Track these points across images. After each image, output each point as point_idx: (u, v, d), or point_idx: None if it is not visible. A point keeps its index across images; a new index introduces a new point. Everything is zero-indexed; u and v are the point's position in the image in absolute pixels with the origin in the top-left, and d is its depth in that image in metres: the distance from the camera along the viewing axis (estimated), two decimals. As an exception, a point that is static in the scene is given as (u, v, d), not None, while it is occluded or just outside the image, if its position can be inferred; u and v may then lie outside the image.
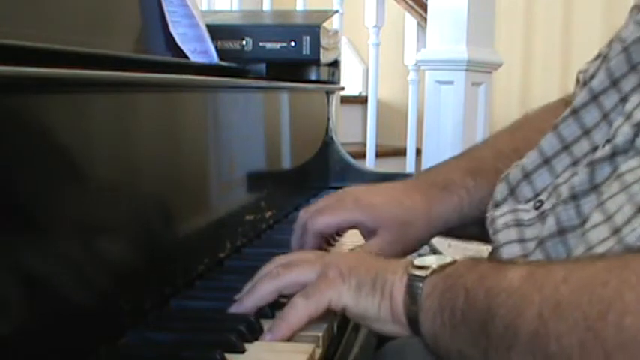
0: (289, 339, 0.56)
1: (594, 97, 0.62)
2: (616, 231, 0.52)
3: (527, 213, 0.64)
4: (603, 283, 0.43)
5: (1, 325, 0.42)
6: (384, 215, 0.74)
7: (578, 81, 0.73)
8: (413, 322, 0.54)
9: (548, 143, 0.65)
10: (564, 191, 0.60)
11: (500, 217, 0.66)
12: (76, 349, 0.48)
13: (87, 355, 0.49)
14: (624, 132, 0.56)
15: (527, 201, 0.65)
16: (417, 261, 0.56)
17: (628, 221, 0.52)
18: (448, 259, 0.55)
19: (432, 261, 0.55)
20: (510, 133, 0.84)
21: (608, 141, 0.58)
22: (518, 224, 0.64)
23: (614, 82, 0.61)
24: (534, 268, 0.49)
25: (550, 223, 0.59)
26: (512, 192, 0.67)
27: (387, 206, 0.75)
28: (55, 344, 0.46)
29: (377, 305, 0.56)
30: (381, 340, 0.96)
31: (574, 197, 0.58)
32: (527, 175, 0.66)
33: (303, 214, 0.76)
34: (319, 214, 0.74)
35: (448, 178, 0.79)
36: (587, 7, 2.87)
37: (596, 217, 0.54)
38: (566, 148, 0.64)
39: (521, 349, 0.45)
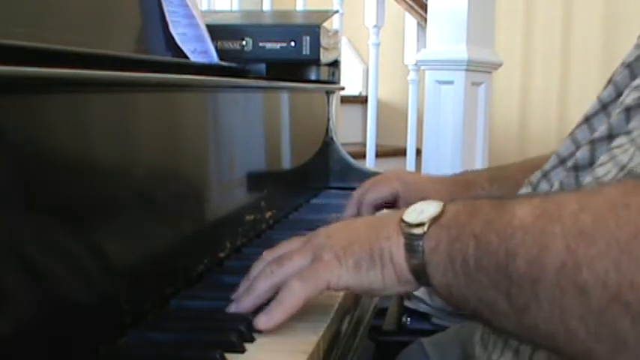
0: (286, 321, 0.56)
1: (604, 107, 0.66)
2: None
3: None
4: (625, 206, 0.45)
5: (1, 325, 0.42)
6: (416, 188, 0.91)
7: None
8: (421, 278, 0.54)
9: (565, 146, 0.68)
10: (570, 163, 0.64)
11: None
12: (76, 349, 0.48)
13: (87, 355, 0.49)
14: (618, 115, 0.60)
15: None
16: (407, 217, 0.55)
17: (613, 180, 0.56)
18: (434, 208, 0.55)
19: (420, 214, 0.55)
20: (543, 155, 0.88)
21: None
22: None
23: (619, 94, 0.65)
24: (542, 203, 0.49)
25: (555, 185, 0.64)
26: (534, 189, 0.69)
27: (430, 188, 0.91)
28: (55, 344, 0.46)
29: (380, 276, 0.56)
30: (380, 341, 0.96)
31: (575, 167, 0.63)
32: (545, 175, 0.69)
33: (357, 192, 0.93)
34: (373, 186, 0.92)
35: (470, 179, 0.93)
36: (587, 7, 2.86)
37: (587, 180, 0.59)
38: (578, 149, 0.67)
39: (548, 282, 0.46)
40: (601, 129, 0.62)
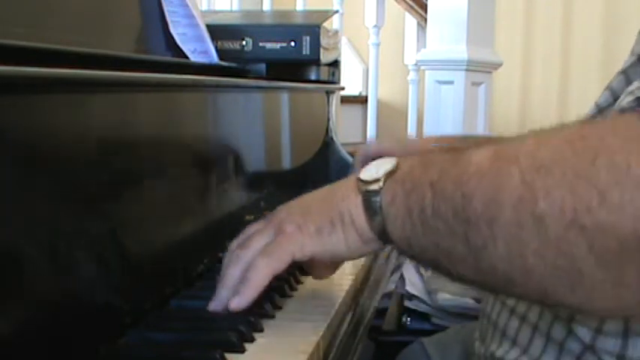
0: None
1: (600, 111, 0.67)
2: None
3: None
4: (582, 137, 0.46)
5: (1, 325, 0.42)
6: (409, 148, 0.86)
7: None
8: (382, 234, 0.55)
9: None
10: None
11: None
12: (76, 349, 0.48)
13: (87, 355, 0.49)
14: (604, 95, 0.63)
15: None
16: (363, 175, 0.56)
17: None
18: (389, 164, 0.55)
19: (375, 171, 0.55)
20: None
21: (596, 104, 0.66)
22: None
23: (615, 100, 0.66)
24: (499, 148, 0.50)
25: None
26: None
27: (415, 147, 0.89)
28: (55, 344, 0.46)
29: (343, 239, 0.57)
30: (380, 341, 0.96)
31: (600, 111, 0.65)
32: None
33: (364, 147, 0.89)
34: (374, 143, 0.90)
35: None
36: (587, 7, 2.87)
37: None
38: None
39: (506, 218, 0.47)
40: (592, 110, 0.65)
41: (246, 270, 0.58)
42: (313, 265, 0.62)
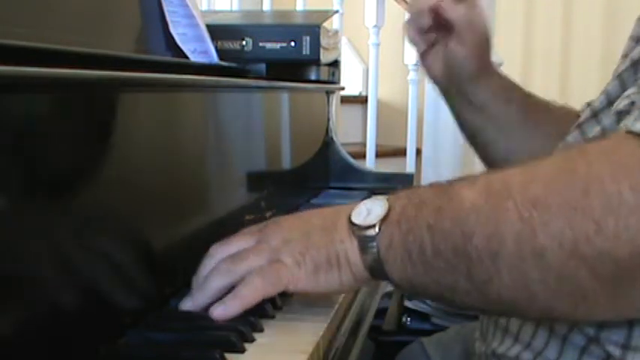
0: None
1: (594, 115, 0.68)
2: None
3: None
4: (571, 170, 0.48)
5: (1, 325, 0.42)
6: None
7: None
8: (380, 276, 0.56)
9: (573, 138, 0.71)
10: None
11: None
12: (76, 349, 0.48)
13: (87, 355, 0.49)
14: (612, 120, 0.63)
15: None
16: (355, 220, 0.57)
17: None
18: (380, 209, 0.56)
19: (368, 215, 0.56)
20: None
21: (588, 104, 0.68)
22: None
23: (610, 103, 0.66)
24: (488, 184, 0.52)
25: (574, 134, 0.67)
26: None
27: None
28: (55, 344, 0.46)
29: (337, 278, 0.58)
30: (380, 341, 0.96)
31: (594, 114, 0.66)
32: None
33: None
34: None
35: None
36: (587, 7, 2.87)
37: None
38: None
39: (507, 253, 0.48)
40: (586, 113, 0.66)
41: (232, 284, 0.58)
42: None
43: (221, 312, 0.56)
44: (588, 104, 0.72)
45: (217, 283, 0.59)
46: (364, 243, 0.56)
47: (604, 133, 0.63)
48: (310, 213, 0.64)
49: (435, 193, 0.55)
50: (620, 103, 0.60)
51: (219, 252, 0.62)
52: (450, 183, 0.55)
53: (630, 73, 0.64)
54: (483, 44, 0.93)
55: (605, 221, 0.45)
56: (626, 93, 0.59)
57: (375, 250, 0.55)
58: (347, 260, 0.57)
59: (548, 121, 0.89)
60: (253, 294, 0.57)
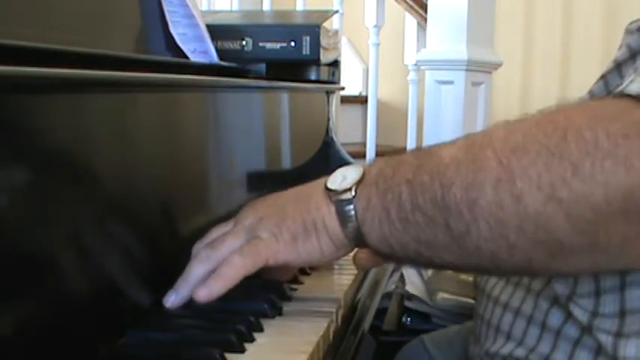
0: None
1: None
2: None
3: None
4: (551, 121, 0.49)
5: (1, 325, 0.42)
6: None
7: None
8: (358, 239, 0.56)
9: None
10: None
11: None
12: (76, 349, 0.48)
13: (87, 355, 0.49)
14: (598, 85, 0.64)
15: None
16: (331, 185, 0.57)
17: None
18: (356, 173, 0.57)
19: (343, 180, 0.57)
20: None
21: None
22: None
23: (609, 93, 0.67)
24: (469, 140, 0.53)
25: None
26: None
27: None
28: (55, 344, 0.46)
29: (317, 246, 0.58)
30: (380, 341, 0.96)
31: None
32: None
33: None
34: None
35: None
36: (587, 7, 2.87)
37: None
38: None
39: (486, 201, 0.49)
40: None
41: (213, 269, 0.58)
42: (270, 269, 0.62)
43: (205, 294, 0.57)
44: None
45: (198, 271, 0.59)
46: (341, 207, 0.56)
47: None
48: (284, 192, 0.64)
49: (414, 154, 0.56)
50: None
51: (198, 246, 0.63)
52: (430, 146, 0.56)
53: (614, 75, 0.65)
54: None
55: (582, 163, 0.46)
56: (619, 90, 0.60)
57: (352, 212, 0.55)
58: (324, 226, 0.57)
59: None
60: (234, 272, 0.57)
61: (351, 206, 0.56)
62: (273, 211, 0.60)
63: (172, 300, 0.59)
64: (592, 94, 0.67)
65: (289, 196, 0.62)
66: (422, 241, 0.53)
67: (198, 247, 0.62)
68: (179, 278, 0.60)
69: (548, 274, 0.60)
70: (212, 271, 0.58)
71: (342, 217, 0.56)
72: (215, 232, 0.63)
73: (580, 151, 0.46)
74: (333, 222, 0.57)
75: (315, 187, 0.60)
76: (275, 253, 0.58)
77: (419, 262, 0.57)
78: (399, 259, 0.57)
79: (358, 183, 0.56)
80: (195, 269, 0.59)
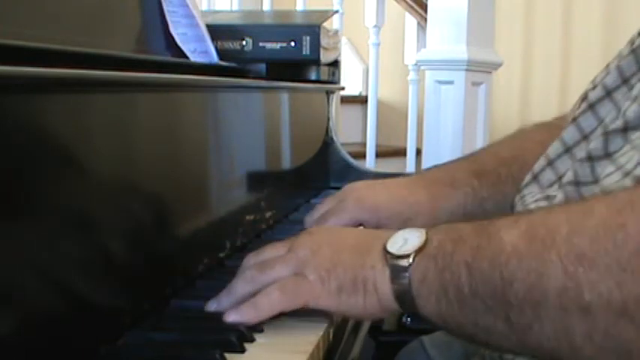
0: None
1: (608, 93, 0.66)
2: (627, 173, 0.55)
3: (556, 191, 0.65)
4: (620, 226, 0.45)
5: (1, 325, 0.42)
6: (388, 214, 0.78)
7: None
8: (409, 307, 0.54)
9: (569, 134, 0.67)
10: (580, 154, 0.63)
11: (529, 195, 0.67)
12: (76, 349, 0.48)
13: (87, 355, 0.49)
14: (633, 109, 0.59)
15: (551, 184, 0.67)
16: (390, 248, 0.55)
17: (638, 163, 0.55)
18: (417, 239, 0.55)
19: (404, 244, 0.55)
20: (509, 143, 0.87)
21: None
22: (548, 200, 0.65)
23: (625, 80, 0.65)
24: (530, 228, 0.49)
25: (568, 175, 0.62)
26: (536, 177, 0.68)
27: (391, 204, 0.79)
28: (55, 344, 0.46)
29: (362, 303, 0.56)
30: (380, 341, 0.96)
31: (590, 158, 0.61)
32: (550, 163, 0.68)
33: (308, 223, 0.80)
34: (324, 220, 0.78)
35: (453, 175, 0.83)
36: (587, 7, 2.87)
37: (610, 169, 0.58)
38: (585, 138, 0.66)
39: (550, 305, 0.46)
40: (616, 122, 0.61)
41: (255, 292, 0.58)
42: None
43: (232, 318, 0.56)
44: (573, 119, 0.69)
45: (242, 290, 0.59)
46: (396, 272, 0.54)
47: (626, 122, 0.59)
48: (346, 230, 0.62)
49: (474, 230, 0.53)
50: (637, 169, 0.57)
51: (250, 260, 0.62)
52: (491, 221, 0.53)
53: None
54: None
55: None
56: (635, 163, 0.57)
57: (406, 281, 0.54)
58: (374, 287, 0.55)
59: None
60: (270, 307, 0.56)
61: (407, 274, 0.54)
62: (329, 252, 0.59)
63: (212, 307, 0.59)
64: (605, 88, 0.65)
65: (349, 239, 0.60)
66: (480, 326, 0.51)
67: (248, 262, 0.62)
68: (225, 289, 0.60)
69: None
70: (254, 293, 0.58)
71: (396, 283, 0.54)
72: (269, 252, 0.62)
73: None
74: (384, 285, 0.55)
75: (376, 240, 0.58)
76: (316, 298, 0.57)
77: (475, 343, 0.55)
78: (454, 334, 0.55)
79: (418, 251, 0.54)
80: (240, 287, 0.59)
